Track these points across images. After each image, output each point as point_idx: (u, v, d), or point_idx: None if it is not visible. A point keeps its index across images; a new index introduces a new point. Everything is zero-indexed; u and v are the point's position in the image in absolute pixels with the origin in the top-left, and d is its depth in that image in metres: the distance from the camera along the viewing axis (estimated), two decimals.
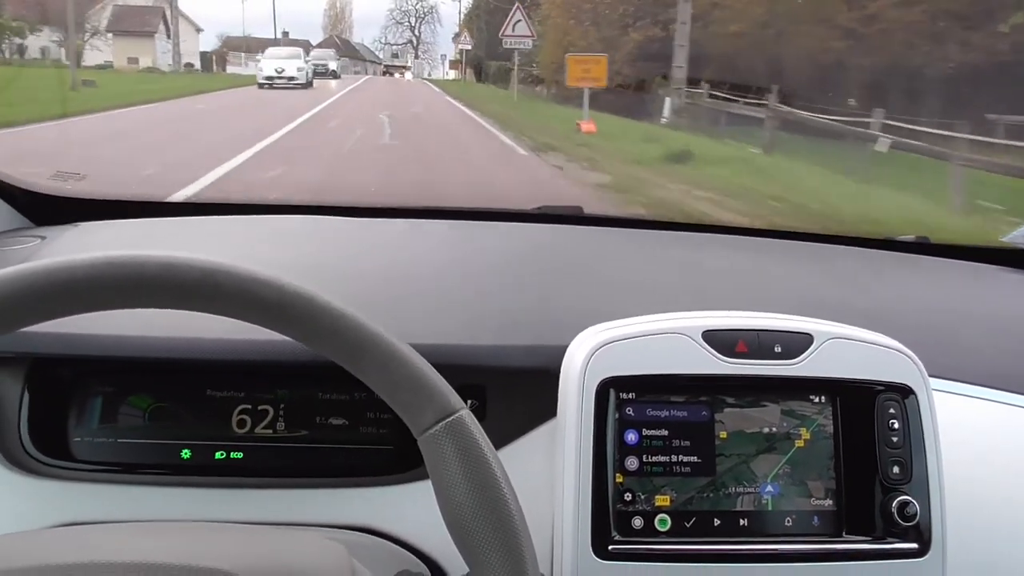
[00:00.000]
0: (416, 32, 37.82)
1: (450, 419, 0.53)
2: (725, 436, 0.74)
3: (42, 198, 1.17)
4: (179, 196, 4.89)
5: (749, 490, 0.74)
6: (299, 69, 19.27)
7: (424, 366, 0.55)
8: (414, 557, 0.73)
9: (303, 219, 1.24)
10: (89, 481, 0.76)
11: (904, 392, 0.75)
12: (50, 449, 0.76)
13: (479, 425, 0.54)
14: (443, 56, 34.46)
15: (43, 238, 1.05)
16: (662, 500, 0.73)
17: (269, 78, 18.81)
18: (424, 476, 0.75)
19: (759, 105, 10.85)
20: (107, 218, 1.16)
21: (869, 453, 0.75)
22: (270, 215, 1.27)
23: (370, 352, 0.54)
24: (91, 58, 19.84)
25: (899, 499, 0.73)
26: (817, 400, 0.76)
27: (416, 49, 38.88)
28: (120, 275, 0.51)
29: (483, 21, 23.53)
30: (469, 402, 0.78)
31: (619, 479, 0.72)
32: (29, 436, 0.76)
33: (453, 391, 0.55)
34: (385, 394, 0.54)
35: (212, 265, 0.52)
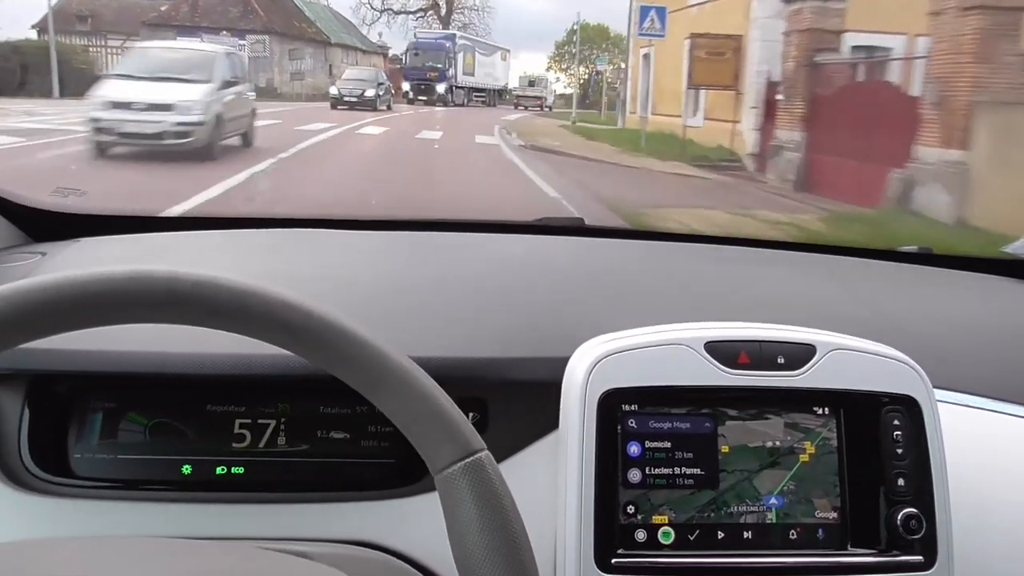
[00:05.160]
0: None
1: (469, 460, 0.52)
2: (728, 449, 0.74)
3: (42, 214, 1.16)
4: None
5: (753, 503, 0.73)
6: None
7: (447, 403, 0.54)
8: (416, 572, 0.73)
9: (304, 232, 1.24)
10: (89, 498, 0.75)
11: (909, 404, 0.75)
12: (50, 466, 0.76)
13: (498, 468, 0.53)
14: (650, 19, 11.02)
15: (43, 254, 1.05)
16: (665, 513, 0.72)
17: None
18: (425, 490, 0.75)
19: None
20: (107, 233, 1.16)
21: (874, 466, 0.74)
22: (271, 228, 1.27)
23: (393, 383, 0.53)
24: None
25: (904, 512, 0.72)
26: (821, 412, 0.76)
27: (445, 20, 21.79)
28: (152, 290, 0.51)
29: None
30: (471, 415, 0.77)
31: (622, 492, 0.72)
32: (29, 453, 0.75)
33: (474, 431, 0.54)
34: (404, 426, 0.54)
35: (241, 286, 0.53)
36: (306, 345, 0.53)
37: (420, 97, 19.92)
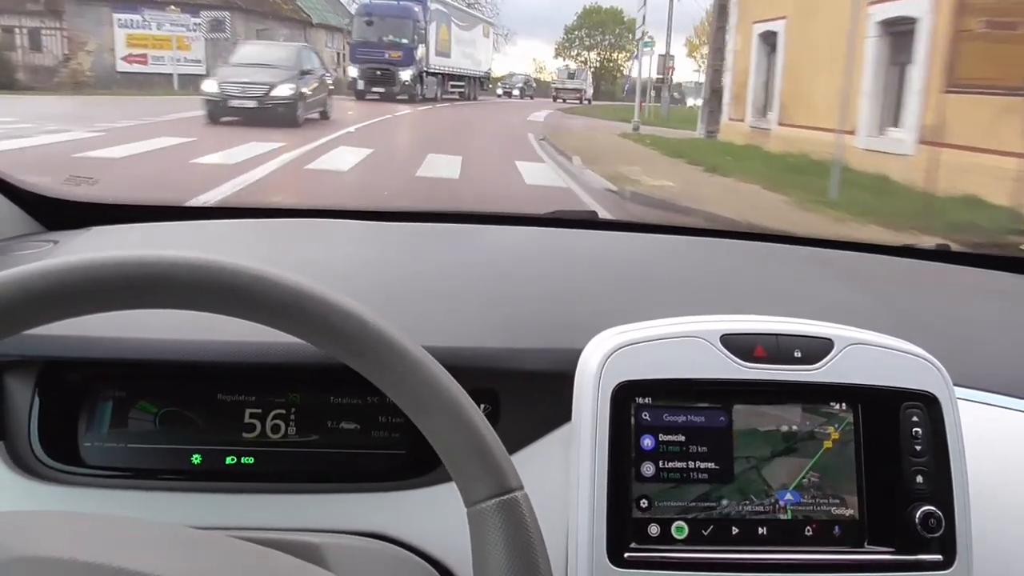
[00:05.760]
0: None
1: (505, 498, 0.51)
2: (743, 444, 0.73)
3: (54, 202, 1.17)
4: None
5: (768, 498, 0.72)
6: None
7: (490, 435, 0.53)
8: (425, 563, 0.72)
9: (318, 222, 1.24)
10: (99, 486, 0.75)
11: (928, 401, 0.73)
12: (60, 454, 0.75)
13: (532, 508, 0.52)
14: None
15: (55, 242, 1.05)
16: (679, 507, 0.71)
17: None
18: (435, 481, 0.75)
19: None
20: (118, 222, 1.16)
21: (892, 462, 0.73)
22: (284, 218, 1.27)
23: (438, 407, 0.52)
24: None
25: (923, 509, 0.71)
26: (838, 407, 0.74)
27: None
28: (214, 279, 0.51)
29: None
30: (483, 406, 0.77)
31: (635, 485, 0.71)
32: (39, 441, 0.75)
33: (514, 468, 0.53)
34: (442, 451, 0.53)
35: (299, 286, 0.52)
36: (355, 354, 0.52)
37: (375, 89, 13.62)
